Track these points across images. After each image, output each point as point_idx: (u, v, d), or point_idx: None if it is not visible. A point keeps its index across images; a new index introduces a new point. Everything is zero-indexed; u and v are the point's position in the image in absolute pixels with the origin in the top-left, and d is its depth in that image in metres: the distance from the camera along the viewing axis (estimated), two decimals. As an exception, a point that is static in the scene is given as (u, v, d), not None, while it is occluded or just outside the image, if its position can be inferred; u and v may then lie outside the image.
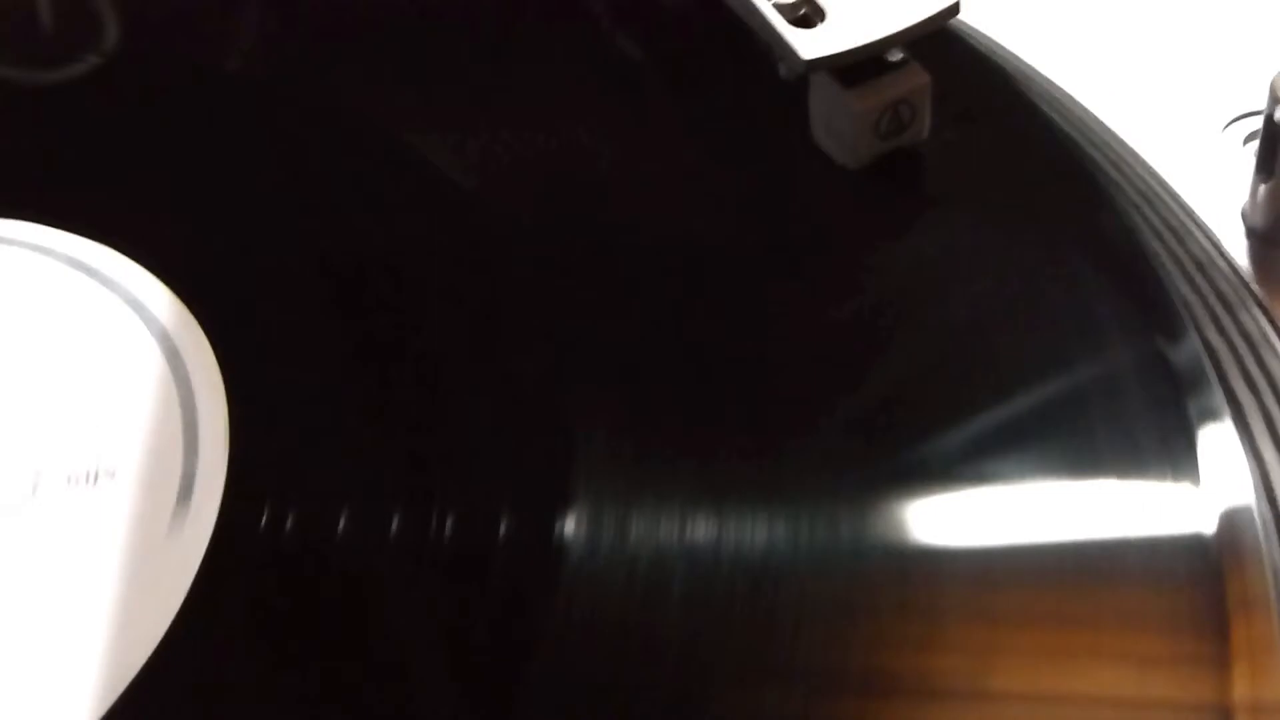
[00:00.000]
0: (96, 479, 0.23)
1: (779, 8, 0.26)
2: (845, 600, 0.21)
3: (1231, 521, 0.21)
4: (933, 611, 0.21)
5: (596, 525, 0.22)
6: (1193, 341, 0.24)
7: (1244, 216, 0.28)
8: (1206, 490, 0.22)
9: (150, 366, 0.25)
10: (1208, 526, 0.21)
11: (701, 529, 0.22)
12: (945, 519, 0.22)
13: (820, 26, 0.25)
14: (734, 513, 0.22)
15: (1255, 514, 0.22)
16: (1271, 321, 0.27)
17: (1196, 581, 0.21)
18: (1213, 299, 0.27)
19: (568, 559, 0.22)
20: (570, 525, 0.22)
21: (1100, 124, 0.30)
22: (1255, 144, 0.28)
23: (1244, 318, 0.27)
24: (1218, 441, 0.22)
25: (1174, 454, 0.22)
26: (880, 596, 0.21)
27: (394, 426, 0.24)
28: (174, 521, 0.23)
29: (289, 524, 0.22)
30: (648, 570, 0.21)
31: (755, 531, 0.22)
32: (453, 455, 0.24)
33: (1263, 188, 0.28)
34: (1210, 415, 0.23)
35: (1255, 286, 0.27)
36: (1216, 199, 0.29)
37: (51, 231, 0.27)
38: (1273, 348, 0.27)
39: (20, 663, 0.21)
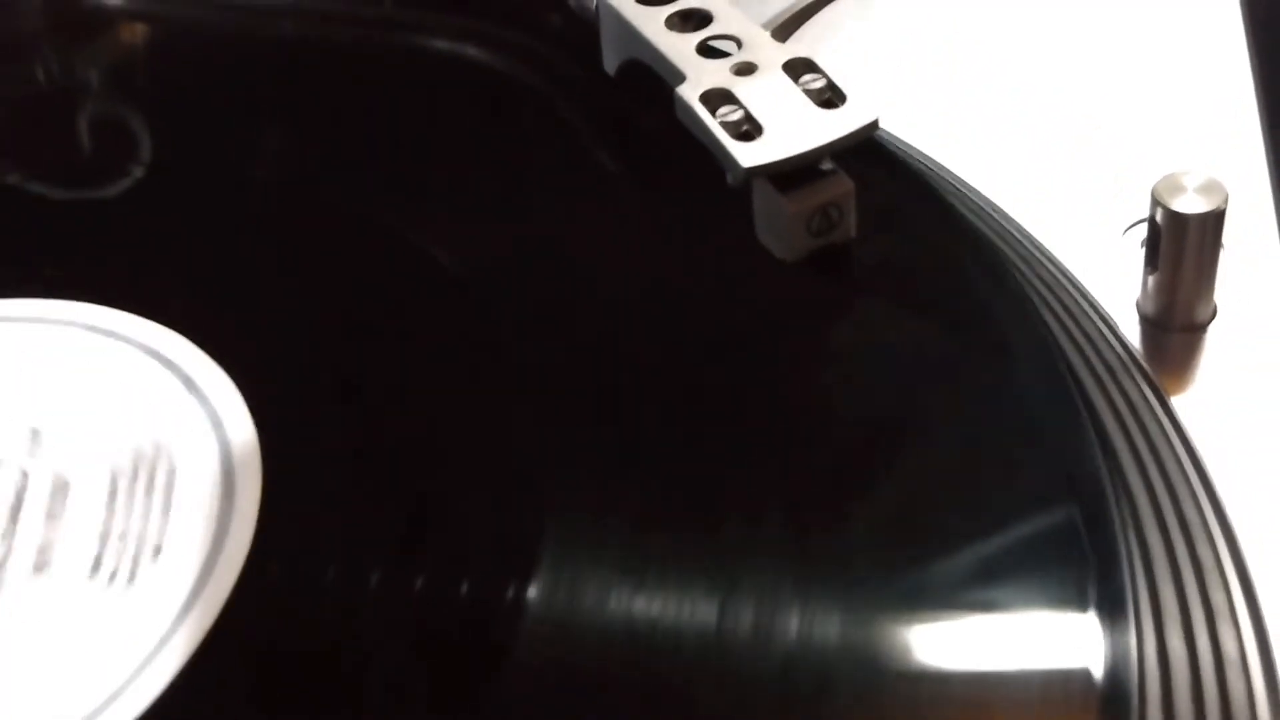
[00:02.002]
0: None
1: (724, 124, 0.30)
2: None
3: (1115, 662, 0.23)
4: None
5: (560, 593, 0.25)
6: (1104, 485, 0.26)
7: (1138, 306, 0.32)
8: (1093, 632, 0.24)
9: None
10: (1092, 667, 0.23)
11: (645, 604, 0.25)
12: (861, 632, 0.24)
13: (758, 140, 0.29)
14: (676, 592, 0.25)
15: (1134, 656, 0.23)
16: (1164, 403, 0.31)
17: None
18: (1120, 402, 0.30)
19: (535, 622, 0.24)
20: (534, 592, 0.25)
21: (1019, 228, 0.34)
22: (1150, 243, 0.32)
23: (1148, 421, 0.30)
24: (1112, 589, 0.24)
25: (1065, 596, 0.24)
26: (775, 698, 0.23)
27: (391, 496, 0.28)
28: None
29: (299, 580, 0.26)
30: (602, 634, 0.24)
31: (690, 611, 0.24)
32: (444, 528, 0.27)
33: (1150, 280, 0.31)
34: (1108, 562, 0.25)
35: (1147, 367, 0.31)
36: (1118, 292, 0.33)
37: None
38: (1171, 445, 0.30)
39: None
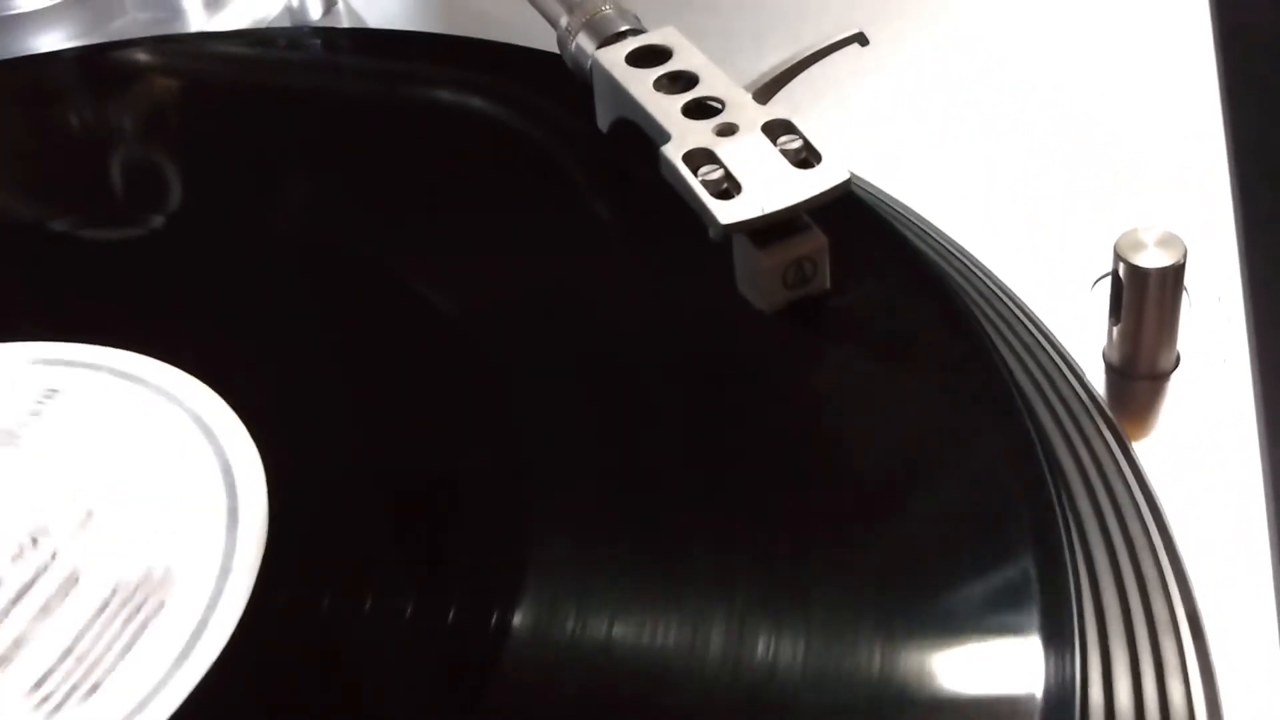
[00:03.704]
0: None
1: (705, 183, 0.31)
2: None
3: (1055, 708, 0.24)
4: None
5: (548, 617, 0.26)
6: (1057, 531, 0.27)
7: (1104, 355, 0.34)
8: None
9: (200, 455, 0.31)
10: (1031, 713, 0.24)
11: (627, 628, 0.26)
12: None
13: (737, 198, 0.31)
14: (646, 614, 0.26)
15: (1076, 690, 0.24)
16: (1125, 449, 0.32)
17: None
18: (1080, 447, 0.32)
19: (518, 644, 0.26)
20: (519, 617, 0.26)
21: (990, 275, 0.36)
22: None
23: (1108, 467, 0.31)
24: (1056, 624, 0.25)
25: (1012, 644, 0.25)
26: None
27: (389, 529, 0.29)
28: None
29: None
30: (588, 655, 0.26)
31: (651, 632, 0.26)
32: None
33: (1115, 329, 0.33)
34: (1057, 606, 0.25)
35: (1110, 413, 0.33)
36: (1086, 343, 0.34)
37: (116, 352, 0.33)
38: (1130, 491, 0.31)
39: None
